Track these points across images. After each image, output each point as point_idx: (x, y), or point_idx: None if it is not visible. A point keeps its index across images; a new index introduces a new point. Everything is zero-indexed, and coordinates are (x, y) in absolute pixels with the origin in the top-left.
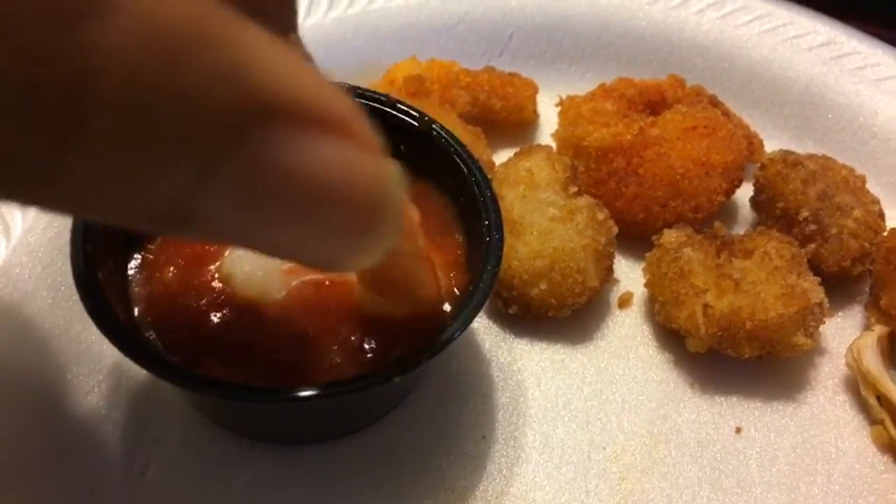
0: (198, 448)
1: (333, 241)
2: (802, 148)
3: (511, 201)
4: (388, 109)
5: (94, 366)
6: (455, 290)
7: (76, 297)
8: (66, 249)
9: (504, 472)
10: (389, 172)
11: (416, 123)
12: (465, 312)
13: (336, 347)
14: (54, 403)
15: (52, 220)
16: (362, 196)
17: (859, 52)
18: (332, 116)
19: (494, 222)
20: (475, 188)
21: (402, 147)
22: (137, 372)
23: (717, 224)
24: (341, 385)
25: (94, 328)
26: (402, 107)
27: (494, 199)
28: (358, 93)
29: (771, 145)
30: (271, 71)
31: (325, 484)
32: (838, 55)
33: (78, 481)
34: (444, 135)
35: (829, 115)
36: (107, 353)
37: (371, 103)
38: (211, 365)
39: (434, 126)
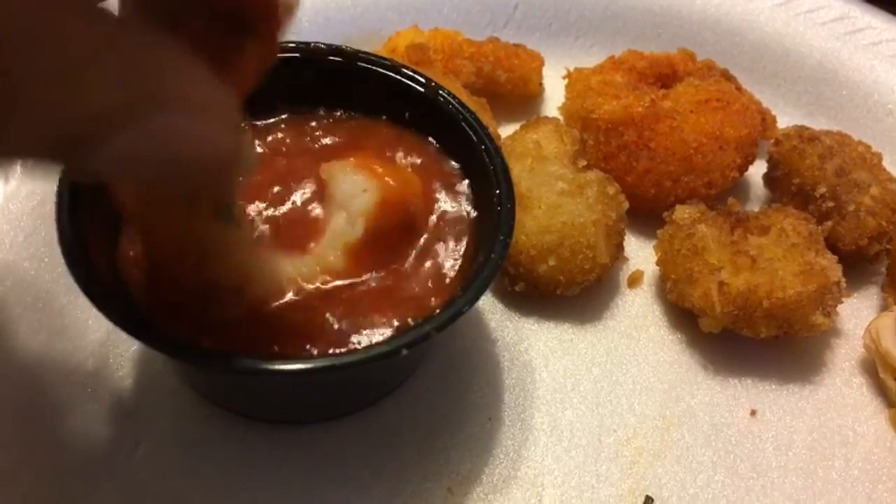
0: (190, 428)
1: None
2: (816, 125)
3: (518, 174)
4: (393, 75)
5: (80, 341)
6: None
7: (61, 268)
8: (51, 219)
9: (511, 455)
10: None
11: (422, 90)
12: (476, 284)
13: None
14: (37, 381)
15: (34, 189)
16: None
17: (874, 28)
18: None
19: (506, 192)
20: (485, 157)
21: (406, 114)
22: (125, 348)
23: (731, 200)
24: (347, 356)
25: (80, 301)
26: (408, 72)
27: (505, 168)
28: (361, 57)
29: (783, 122)
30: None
31: (323, 466)
32: (853, 30)
33: (65, 462)
34: (453, 101)
35: (844, 92)
36: (93, 328)
37: (375, 67)
38: (208, 335)
39: (441, 92)
